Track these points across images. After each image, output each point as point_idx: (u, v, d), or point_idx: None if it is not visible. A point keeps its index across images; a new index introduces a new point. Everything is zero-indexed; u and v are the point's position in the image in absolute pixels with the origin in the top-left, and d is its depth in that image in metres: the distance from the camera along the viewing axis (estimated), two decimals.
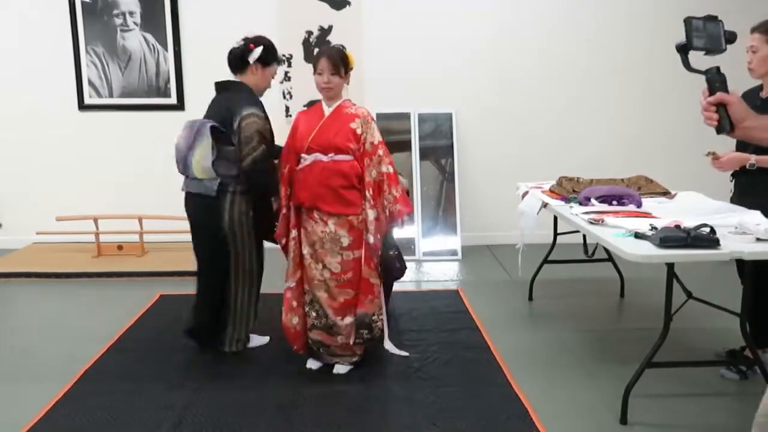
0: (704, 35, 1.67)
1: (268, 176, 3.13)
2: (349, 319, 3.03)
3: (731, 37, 1.72)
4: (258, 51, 3.17)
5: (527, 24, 5.27)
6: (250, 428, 2.63)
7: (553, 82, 5.30)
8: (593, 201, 3.25)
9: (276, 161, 3.16)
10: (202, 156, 3.07)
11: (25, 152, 5.39)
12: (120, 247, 5.13)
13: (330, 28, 5.19)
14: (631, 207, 3.17)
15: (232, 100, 3.12)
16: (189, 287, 4.42)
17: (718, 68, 1.67)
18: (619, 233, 2.73)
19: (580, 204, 3.29)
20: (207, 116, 3.19)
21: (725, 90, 1.62)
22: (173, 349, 3.40)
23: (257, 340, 3.44)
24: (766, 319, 2.99)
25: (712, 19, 1.68)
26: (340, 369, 3.11)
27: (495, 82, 5.30)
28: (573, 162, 5.10)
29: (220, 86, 3.27)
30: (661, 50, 5.32)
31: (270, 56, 3.24)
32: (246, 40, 3.20)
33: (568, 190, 3.55)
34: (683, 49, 1.69)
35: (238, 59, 3.20)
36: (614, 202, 3.23)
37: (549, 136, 5.36)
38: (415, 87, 5.26)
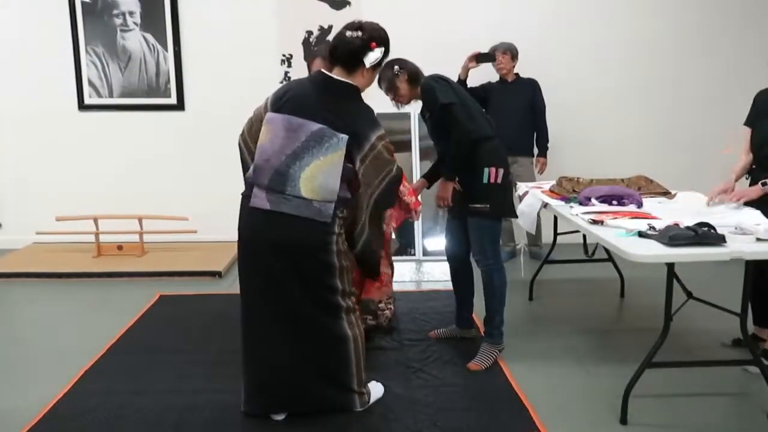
0: None
1: (397, 192, 2.81)
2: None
3: None
4: (378, 54, 2.55)
5: (528, 25, 5.26)
6: (251, 429, 2.63)
7: (554, 83, 5.29)
8: (593, 201, 3.25)
9: None
10: (325, 172, 2.44)
11: (25, 152, 5.39)
12: (120, 247, 5.13)
13: (330, 28, 5.19)
14: (632, 207, 3.17)
15: (356, 112, 2.55)
16: (189, 287, 4.44)
17: None
18: (621, 233, 2.73)
19: (581, 204, 3.29)
20: (315, 118, 2.47)
21: None
22: (173, 349, 3.39)
23: (377, 386, 2.86)
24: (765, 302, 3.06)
25: None
26: None
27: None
28: (573, 162, 5.10)
29: (332, 85, 2.56)
30: (662, 50, 5.33)
31: (384, 59, 2.66)
32: (364, 32, 2.53)
33: (568, 190, 3.55)
34: None
35: (352, 56, 2.53)
36: (614, 202, 3.23)
37: (549, 136, 5.36)
38: None
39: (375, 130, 2.55)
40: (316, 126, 2.44)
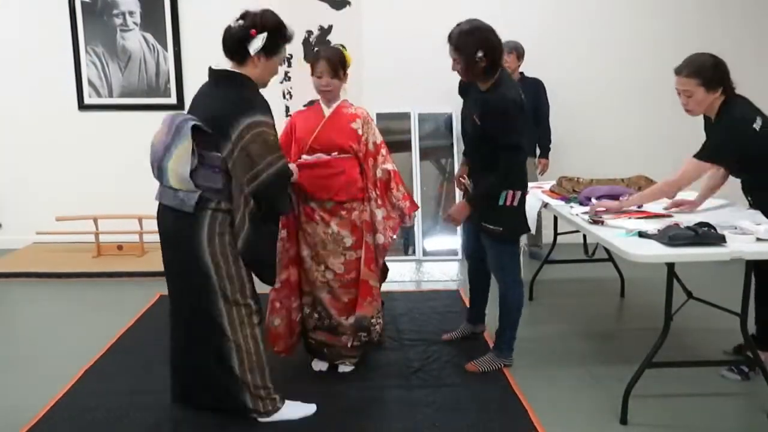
0: None
1: (286, 193, 2.68)
2: (353, 319, 3.03)
3: None
4: (260, 40, 2.47)
5: (527, 25, 5.26)
6: (251, 428, 2.63)
7: (554, 83, 5.29)
8: (593, 201, 3.25)
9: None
10: (179, 161, 2.41)
11: (25, 152, 5.38)
12: (120, 247, 5.13)
13: (330, 28, 5.19)
14: (632, 207, 3.17)
15: (230, 98, 2.47)
16: None
17: None
18: (621, 233, 2.73)
19: (581, 204, 3.29)
20: (192, 111, 2.51)
21: None
22: None
23: (300, 409, 2.74)
24: None
25: None
26: (345, 368, 3.11)
27: None
28: (573, 162, 5.10)
29: (217, 77, 2.56)
30: (662, 50, 5.32)
31: (276, 44, 2.54)
32: (246, 20, 2.49)
33: (568, 190, 3.55)
34: None
35: (235, 46, 2.50)
36: None
37: (551, 137, 5.36)
38: (415, 87, 5.25)
39: (245, 117, 2.42)
40: (180, 118, 2.45)
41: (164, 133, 2.48)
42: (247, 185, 2.43)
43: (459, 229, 5.05)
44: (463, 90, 3.24)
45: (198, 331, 2.59)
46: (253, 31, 2.47)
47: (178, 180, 2.44)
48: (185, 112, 2.55)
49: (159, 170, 2.51)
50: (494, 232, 2.99)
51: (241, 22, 2.49)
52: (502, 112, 2.84)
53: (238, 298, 2.55)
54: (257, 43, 2.47)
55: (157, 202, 2.63)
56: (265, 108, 2.50)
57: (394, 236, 3.04)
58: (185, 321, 2.63)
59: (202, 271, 2.49)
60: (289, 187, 2.69)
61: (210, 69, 2.58)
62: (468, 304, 3.55)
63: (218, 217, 2.47)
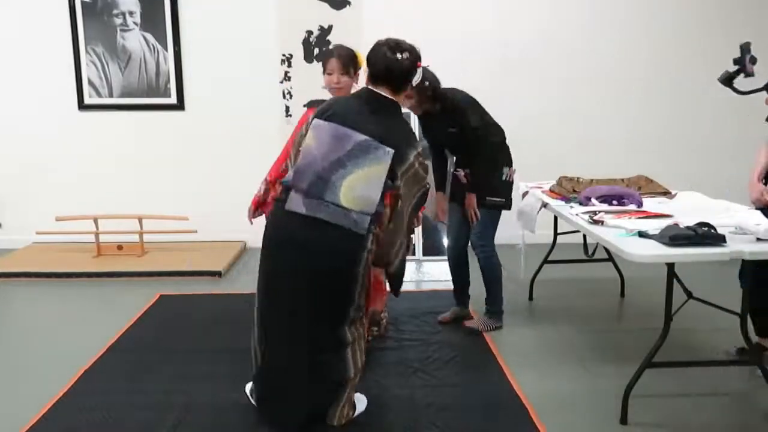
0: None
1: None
2: None
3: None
4: (420, 72, 2.64)
5: (528, 24, 5.27)
6: (250, 429, 2.63)
7: (554, 83, 5.31)
8: (594, 201, 3.25)
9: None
10: (367, 183, 2.42)
11: (25, 152, 5.39)
12: (120, 247, 5.13)
13: (330, 27, 5.18)
14: (632, 207, 3.18)
15: (402, 128, 2.59)
16: (189, 287, 4.44)
17: None
18: (621, 233, 2.73)
19: (581, 204, 3.29)
20: (363, 131, 2.47)
21: None
22: (173, 349, 3.39)
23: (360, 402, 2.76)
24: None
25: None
26: None
27: (495, 82, 5.29)
28: (573, 162, 5.10)
29: (380, 102, 2.57)
30: (661, 50, 5.33)
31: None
32: (411, 54, 2.59)
33: (568, 189, 3.55)
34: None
35: (404, 78, 2.59)
36: (614, 202, 3.23)
37: (550, 136, 5.36)
38: None
39: (415, 147, 2.55)
40: (362, 137, 2.44)
41: (330, 146, 2.45)
42: (415, 197, 2.59)
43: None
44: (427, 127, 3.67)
45: (317, 341, 2.52)
46: (419, 63, 2.61)
47: (358, 200, 2.42)
48: (324, 121, 2.52)
49: (316, 182, 2.44)
50: (497, 203, 3.47)
51: (407, 54, 2.56)
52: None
53: (362, 308, 2.56)
54: (418, 75, 2.62)
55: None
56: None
57: None
58: (301, 331, 2.51)
59: (347, 284, 2.47)
60: None
61: (371, 91, 2.58)
62: (455, 289, 3.78)
63: (371, 238, 2.46)
